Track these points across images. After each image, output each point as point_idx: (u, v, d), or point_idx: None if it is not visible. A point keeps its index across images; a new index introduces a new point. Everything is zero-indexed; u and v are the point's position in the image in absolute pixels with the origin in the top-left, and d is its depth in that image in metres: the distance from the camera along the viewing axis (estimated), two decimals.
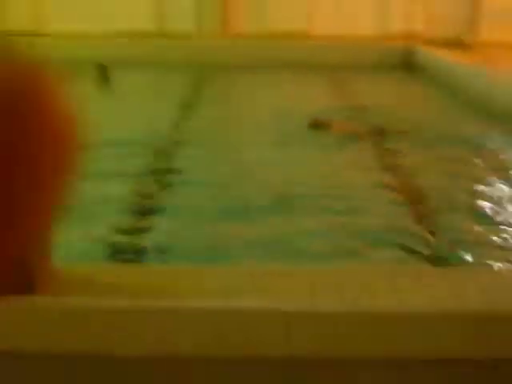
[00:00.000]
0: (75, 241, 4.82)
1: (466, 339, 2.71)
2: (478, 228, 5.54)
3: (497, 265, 4.85)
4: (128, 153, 7.64)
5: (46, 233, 3.08)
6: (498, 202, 6.18)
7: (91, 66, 12.13)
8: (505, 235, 5.43)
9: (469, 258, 4.93)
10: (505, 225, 5.65)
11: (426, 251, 5.02)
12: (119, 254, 4.75)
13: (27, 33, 15.80)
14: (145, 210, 5.75)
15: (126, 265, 4.18)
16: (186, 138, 8.59)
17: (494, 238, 5.34)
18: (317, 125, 8.51)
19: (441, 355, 2.73)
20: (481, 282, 3.02)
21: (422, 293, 2.99)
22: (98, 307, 2.82)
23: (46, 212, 0.79)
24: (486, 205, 6.12)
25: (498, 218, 5.82)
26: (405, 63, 14.66)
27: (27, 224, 0.78)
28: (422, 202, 6.05)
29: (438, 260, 4.82)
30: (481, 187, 6.60)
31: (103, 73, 12.17)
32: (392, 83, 13.66)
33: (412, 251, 4.99)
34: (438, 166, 7.29)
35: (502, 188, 6.61)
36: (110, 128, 9.14)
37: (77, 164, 0.77)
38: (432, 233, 5.30)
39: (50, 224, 3.06)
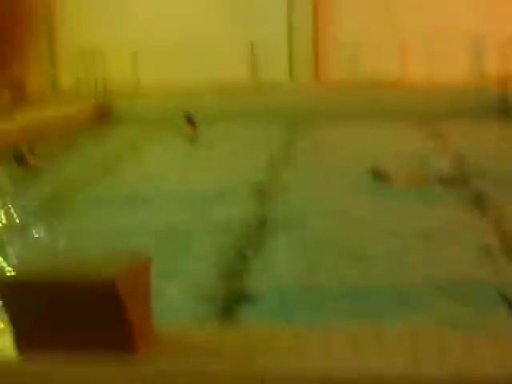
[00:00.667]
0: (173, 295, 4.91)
1: None
2: None
3: None
4: (226, 202, 7.84)
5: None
6: None
7: (180, 115, 12.57)
8: None
9: None
10: None
11: None
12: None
13: (127, 88, 16.33)
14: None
15: (223, 325, 4.21)
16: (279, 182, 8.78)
17: None
18: (377, 174, 8.49)
19: None
20: None
21: None
22: (194, 371, 2.88)
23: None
24: None
25: None
26: (500, 109, 14.38)
27: None
28: None
29: None
30: None
31: (190, 121, 12.57)
32: (485, 130, 13.43)
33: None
34: None
35: None
36: (204, 176, 9.32)
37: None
38: None
39: None
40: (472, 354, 2.91)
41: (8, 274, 3.51)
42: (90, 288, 2.89)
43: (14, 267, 4.25)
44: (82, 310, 2.96)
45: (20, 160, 9.93)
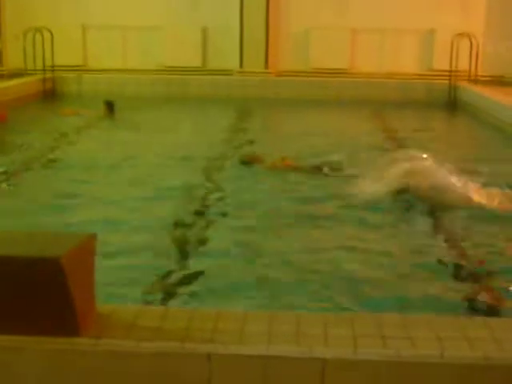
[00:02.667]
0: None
1: None
2: None
3: None
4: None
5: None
6: None
7: (102, 101, 12.80)
8: None
9: None
10: None
11: None
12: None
13: (75, 67, 16.14)
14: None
15: (167, 307, 4.19)
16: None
17: None
18: (246, 161, 8.75)
19: None
20: None
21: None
22: (139, 351, 2.87)
23: None
24: None
25: None
26: (448, 100, 14.65)
27: None
28: None
29: None
30: None
31: (110, 107, 12.82)
32: (432, 119, 13.66)
33: None
34: None
35: None
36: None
37: None
38: None
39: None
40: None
41: None
42: (34, 265, 2.83)
43: None
44: (23, 289, 2.90)
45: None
